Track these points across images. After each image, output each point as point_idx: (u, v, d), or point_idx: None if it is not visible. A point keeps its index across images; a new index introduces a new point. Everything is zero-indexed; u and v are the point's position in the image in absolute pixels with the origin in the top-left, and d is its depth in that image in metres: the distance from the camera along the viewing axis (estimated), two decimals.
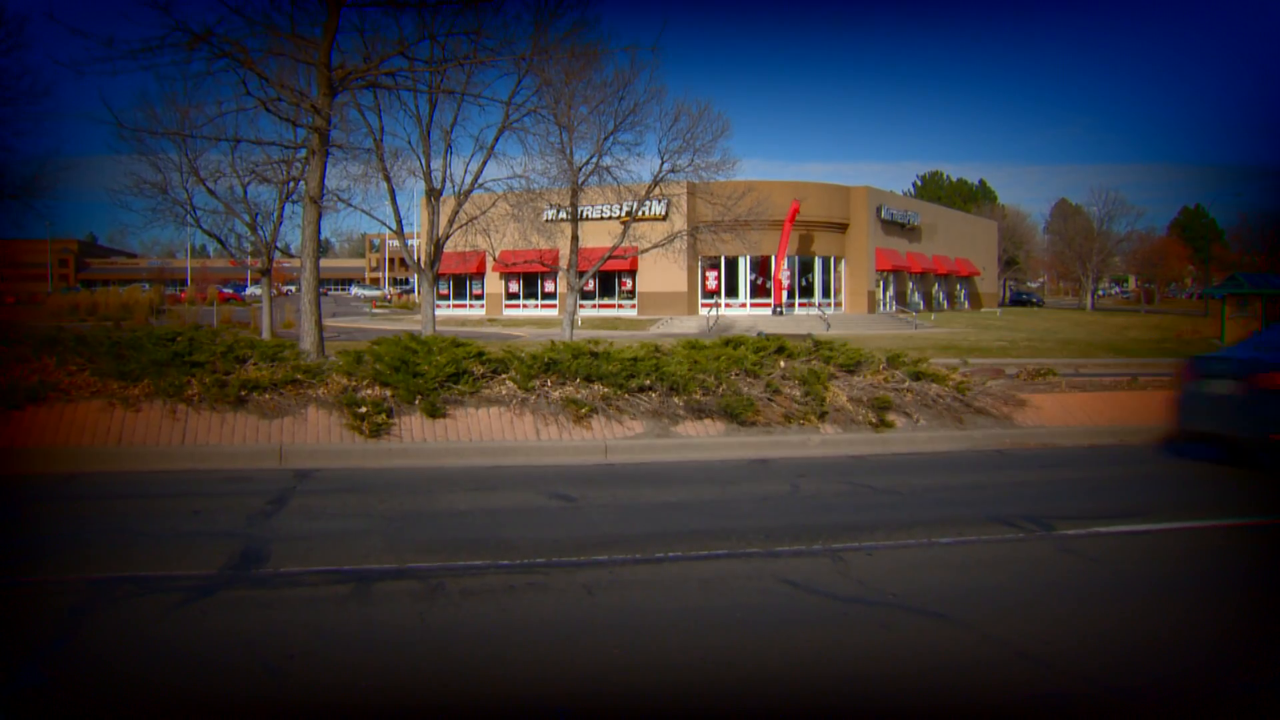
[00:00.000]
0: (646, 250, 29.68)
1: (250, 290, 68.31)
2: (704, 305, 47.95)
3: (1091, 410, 12.31)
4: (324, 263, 38.43)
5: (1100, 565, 6.17)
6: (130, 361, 9.73)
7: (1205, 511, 7.90)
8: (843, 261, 51.96)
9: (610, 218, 42.39)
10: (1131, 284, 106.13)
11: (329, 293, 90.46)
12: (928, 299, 61.92)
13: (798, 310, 48.73)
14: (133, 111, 24.28)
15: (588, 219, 39.47)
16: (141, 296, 48.78)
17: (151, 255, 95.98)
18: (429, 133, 23.09)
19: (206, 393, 9.56)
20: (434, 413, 9.97)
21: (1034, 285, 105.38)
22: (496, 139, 22.86)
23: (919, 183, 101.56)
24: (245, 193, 27.33)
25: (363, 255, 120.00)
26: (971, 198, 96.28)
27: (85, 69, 11.73)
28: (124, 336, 10.40)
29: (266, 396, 9.75)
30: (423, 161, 23.47)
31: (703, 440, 10.34)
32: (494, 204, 25.02)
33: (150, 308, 44.21)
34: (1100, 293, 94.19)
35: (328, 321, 27.15)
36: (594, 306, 49.95)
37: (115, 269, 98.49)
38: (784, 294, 48.24)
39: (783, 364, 11.65)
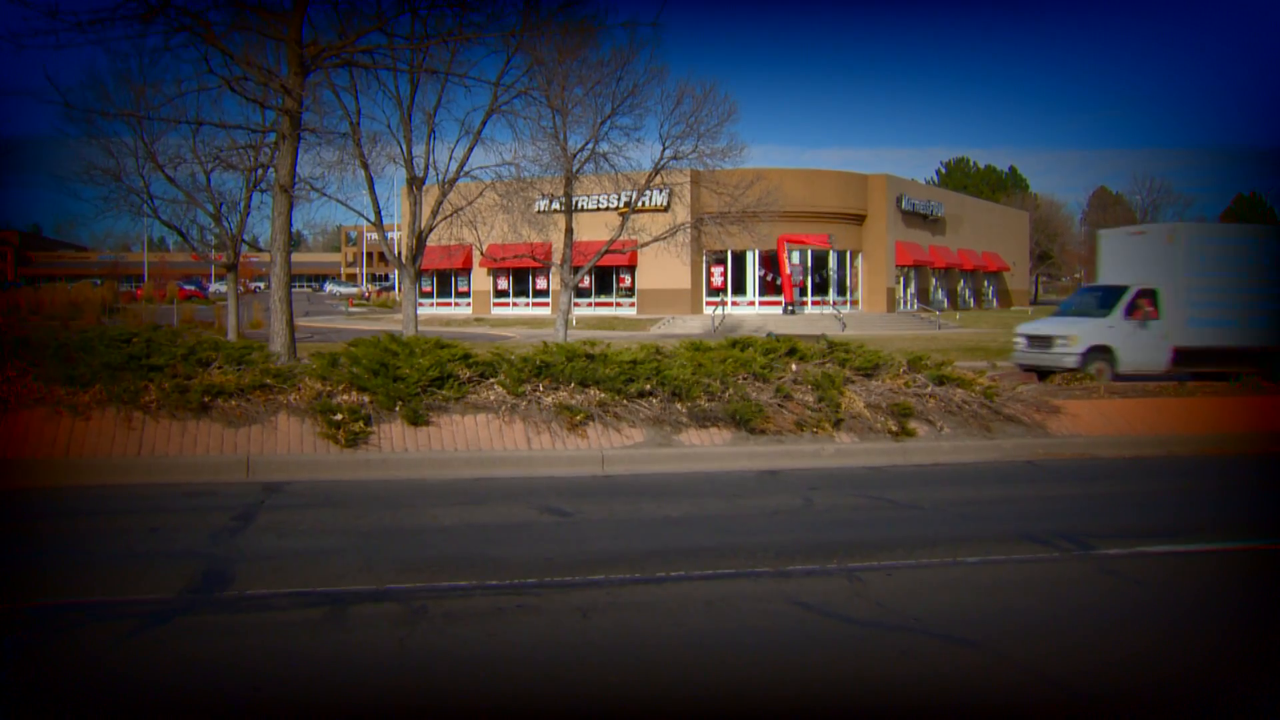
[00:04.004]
0: (647, 244, 29.68)
1: (215, 287, 68.33)
2: (709, 304, 47.96)
3: (1134, 418, 12.31)
4: (296, 257, 38.54)
5: (1144, 589, 6.16)
6: (80, 365, 9.70)
7: (1265, 531, 7.89)
8: (859, 256, 52.00)
9: (607, 209, 42.40)
10: None
11: (302, 289, 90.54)
12: (952, 296, 61.95)
13: (810, 309, 48.74)
14: (82, 90, 24.19)
15: (583, 210, 39.46)
16: (92, 293, 48.65)
17: (104, 248, 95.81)
18: (410, 116, 23.10)
19: (166, 399, 9.54)
20: (416, 420, 9.97)
21: (1067, 281, 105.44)
22: (484, 123, 22.89)
23: (943, 170, 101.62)
24: (209, 180, 27.32)
25: (338, 249, 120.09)
26: (1001, 186, 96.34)
27: (26, 42, 11.59)
28: (72, 338, 10.37)
29: (232, 403, 9.74)
30: (403, 147, 23.49)
31: (707, 450, 10.34)
32: (481, 193, 25.03)
33: (102, 306, 44.08)
34: None
35: (300, 321, 27.15)
36: (590, 305, 49.96)
37: (62, 263, 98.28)
38: (795, 291, 48.26)
39: (794, 367, 11.65)
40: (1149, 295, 19.22)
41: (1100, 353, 18.15)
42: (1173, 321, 18.91)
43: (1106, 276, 21.06)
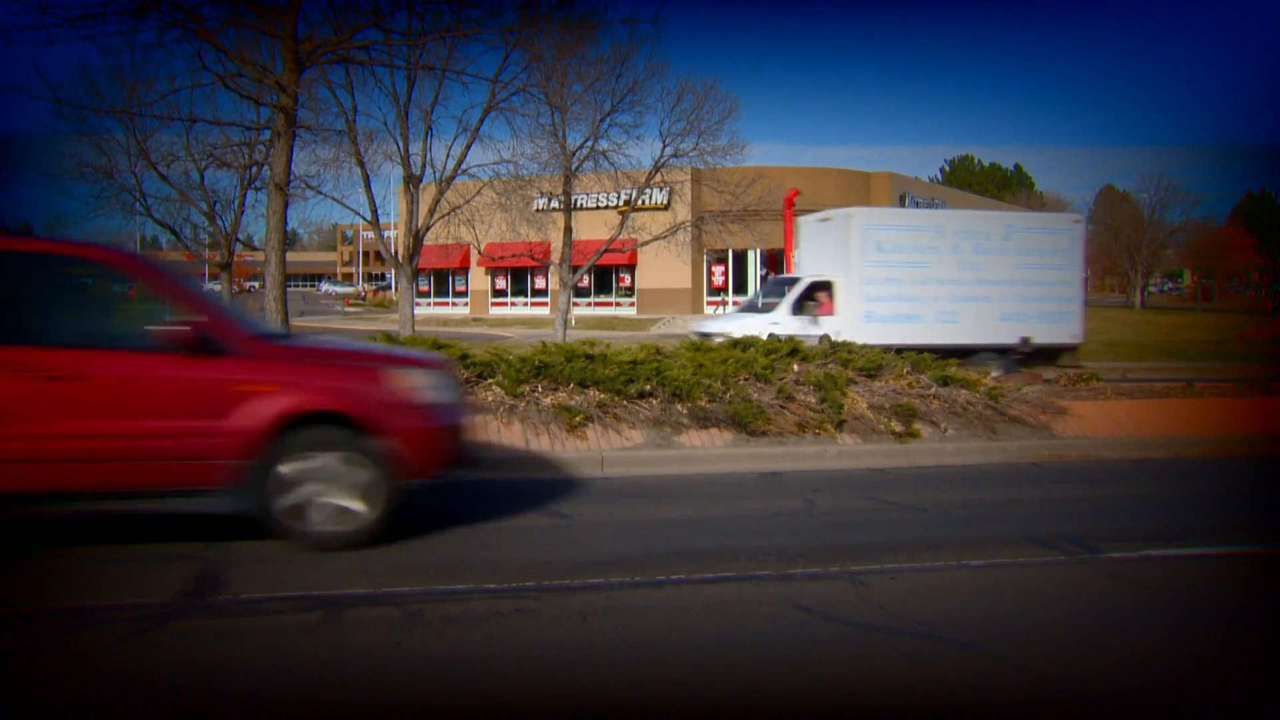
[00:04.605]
0: (647, 243, 29.67)
1: (209, 287, 68.20)
2: (710, 303, 47.97)
3: (1141, 419, 12.31)
4: (291, 256, 38.45)
5: (1153, 594, 6.16)
6: None
7: (1276, 535, 7.88)
8: None
9: (607, 207, 42.40)
10: (1187, 279, 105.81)
11: (297, 289, 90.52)
12: None
13: None
14: (73, 86, 24.10)
15: (582, 208, 39.43)
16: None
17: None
18: (407, 113, 23.12)
19: None
20: None
21: None
22: (482, 120, 22.90)
23: (947, 168, 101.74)
24: (202, 178, 27.33)
25: (334, 248, 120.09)
26: (1006, 184, 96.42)
27: (15, 37, 11.59)
28: None
29: None
30: (400, 145, 23.50)
31: (708, 451, 10.34)
32: (479, 192, 25.04)
33: None
34: (1151, 288, 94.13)
35: (295, 321, 27.12)
36: (589, 305, 49.96)
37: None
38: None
39: (796, 368, 11.66)
40: (825, 288, 17.97)
41: None
42: (848, 317, 17.76)
43: (803, 267, 19.90)
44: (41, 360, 6.24)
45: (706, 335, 16.90)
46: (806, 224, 20.66)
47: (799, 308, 18.03)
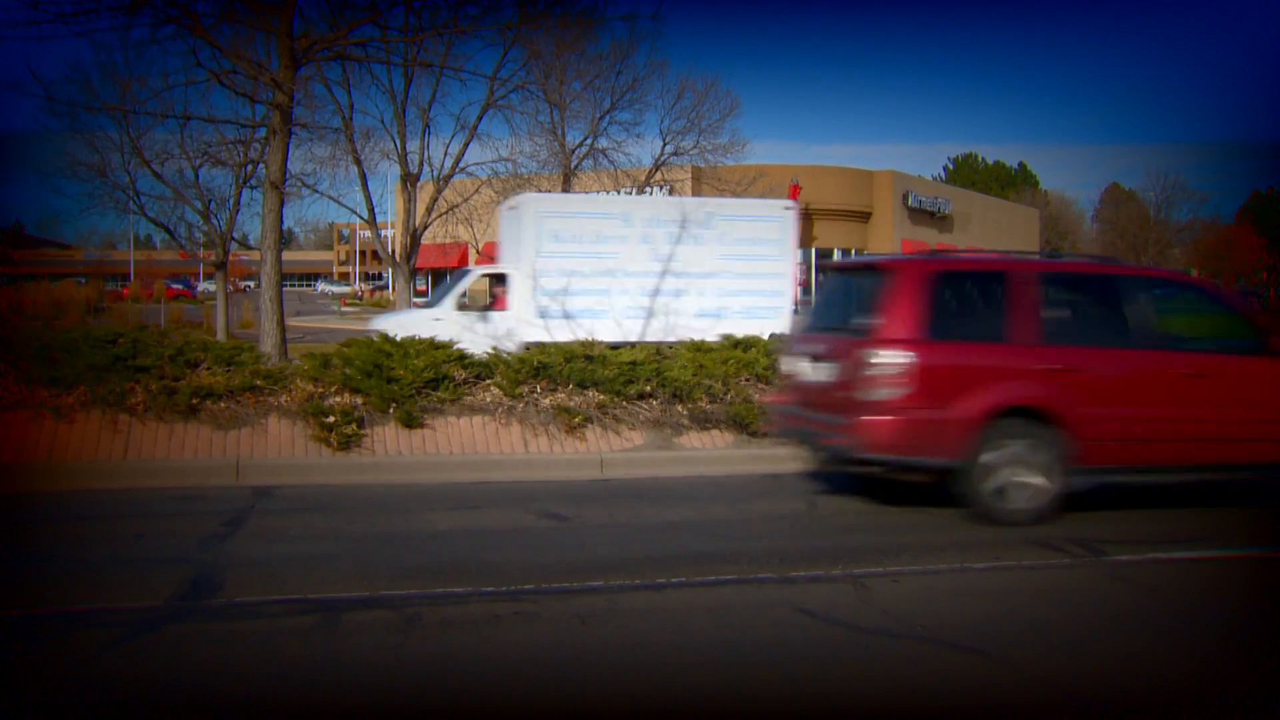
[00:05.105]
0: None
1: (203, 286, 68.29)
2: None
3: None
4: (287, 255, 38.39)
5: (1159, 597, 6.16)
6: (63, 366, 9.69)
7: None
8: (865, 254, 52.02)
9: None
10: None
11: (293, 288, 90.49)
12: None
13: None
14: (65, 83, 24.08)
15: None
16: (77, 292, 48.56)
17: (89, 246, 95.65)
18: (404, 111, 23.15)
19: (153, 401, 9.54)
20: (410, 422, 9.97)
21: None
22: (480, 118, 22.99)
23: (950, 166, 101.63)
24: (197, 177, 27.26)
25: (330, 247, 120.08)
26: (1010, 183, 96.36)
27: (7, 33, 11.60)
28: (56, 338, 10.34)
29: (222, 405, 9.74)
30: (397, 143, 23.53)
31: (709, 453, 10.34)
32: (477, 190, 25.08)
33: (87, 305, 43.95)
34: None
35: (291, 321, 26.99)
36: None
37: (45, 261, 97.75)
38: (799, 290, 48.24)
39: None
40: (501, 281, 16.75)
41: None
42: (521, 312, 16.38)
43: (503, 260, 18.63)
44: (1190, 362, 8.20)
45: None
46: (501, 212, 19.58)
47: (467, 302, 16.84)
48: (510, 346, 12.14)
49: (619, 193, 33.59)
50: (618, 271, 17.08)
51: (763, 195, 30.84)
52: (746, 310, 17.30)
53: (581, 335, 13.32)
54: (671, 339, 13.63)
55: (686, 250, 17.26)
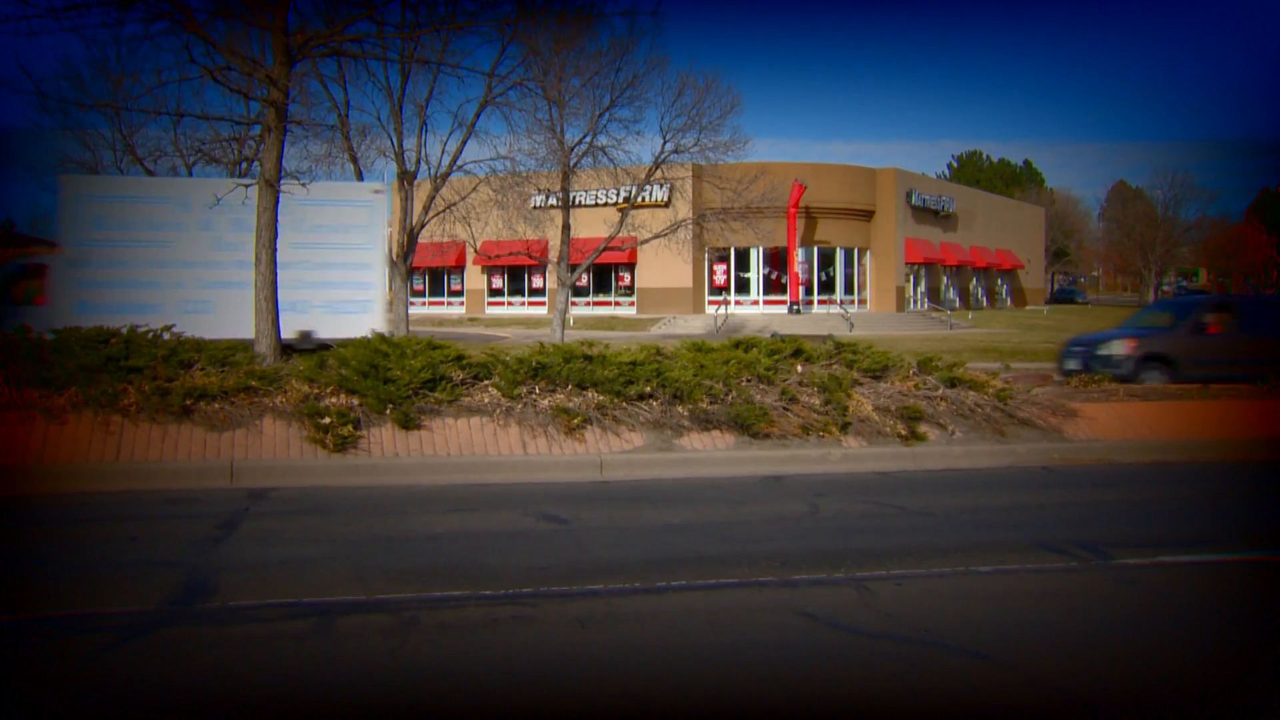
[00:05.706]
0: (647, 241, 29.71)
1: None
2: (711, 303, 47.99)
3: (1155, 422, 12.31)
4: None
5: (1166, 600, 6.16)
6: (54, 367, 9.69)
7: None
8: (868, 253, 52.03)
9: (606, 204, 42.45)
10: (1203, 278, 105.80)
11: None
12: (964, 295, 61.99)
13: (817, 308, 48.78)
14: (57, 80, 24.15)
15: (581, 205, 39.52)
16: None
17: None
18: (401, 108, 23.16)
19: (145, 402, 9.54)
20: (407, 424, 9.97)
21: (1084, 280, 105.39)
22: (478, 115, 22.99)
23: (955, 164, 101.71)
24: (190, 174, 27.36)
25: None
26: (1015, 181, 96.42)
27: None
28: (46, 338, 10.36)
29: (216, 406, 9.74)
30: (394, 140, 23.55)
31: (710, 454, 10.35)
32: (475, 188, 25.07)
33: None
34: (1165, 287, 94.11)
35: None
36: (588, 304, 49.98)
37: (37, 260, 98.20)
38: (801, 290, 48.28)
39: (800, 369, 11.66)
40: (41, 273, 15.55)
41: None
42: (59, 307, 14.98)
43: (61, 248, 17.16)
44: None
45: None
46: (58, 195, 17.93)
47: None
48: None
49: (618, 191, 33.66)
50: (173, 262, 15.94)
51: (764, 194, 30.88)
52: (329, 305, 16.56)
53: (206, 333, 12.03)
54: (240, 336, 12.57)
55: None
